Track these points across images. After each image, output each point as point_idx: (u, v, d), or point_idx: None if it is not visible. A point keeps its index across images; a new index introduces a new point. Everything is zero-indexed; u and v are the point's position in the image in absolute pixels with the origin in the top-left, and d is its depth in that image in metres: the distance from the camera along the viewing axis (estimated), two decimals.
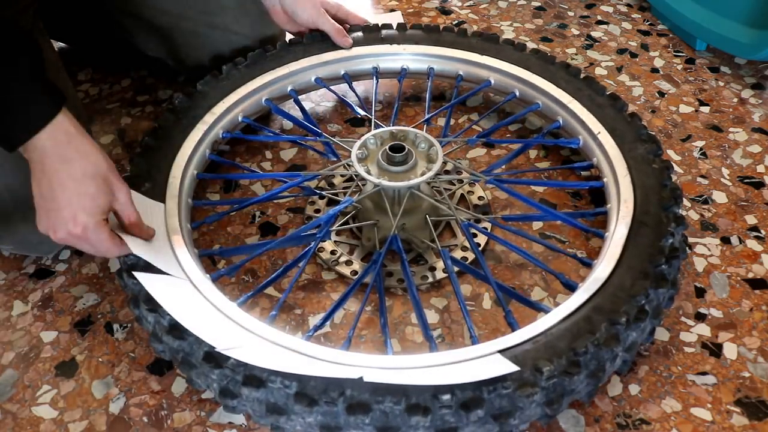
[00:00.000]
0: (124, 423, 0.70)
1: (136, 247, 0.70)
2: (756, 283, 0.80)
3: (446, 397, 0.58)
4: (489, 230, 0.86)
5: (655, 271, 0.68)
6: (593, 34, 1.26)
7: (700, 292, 0.80)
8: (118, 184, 0.68)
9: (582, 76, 0.95)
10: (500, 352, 0.62)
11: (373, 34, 1.04)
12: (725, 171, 0.95)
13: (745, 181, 0.94)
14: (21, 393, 0.74)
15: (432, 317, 0.78)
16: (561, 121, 0.93)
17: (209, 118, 0.91)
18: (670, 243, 0.71)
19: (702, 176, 0.95)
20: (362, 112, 0.99)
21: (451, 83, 1.06)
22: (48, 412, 0.72)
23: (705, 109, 1.07)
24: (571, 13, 1.33)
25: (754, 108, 1.06)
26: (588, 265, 0.76)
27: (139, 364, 0.76)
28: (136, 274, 0.69)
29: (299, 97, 1.01)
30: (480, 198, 0.92)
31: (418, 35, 1.05)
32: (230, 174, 0.97)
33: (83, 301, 0.83)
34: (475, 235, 0.85)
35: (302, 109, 0.99)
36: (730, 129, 1.02)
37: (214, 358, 0.62)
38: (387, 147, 0.80)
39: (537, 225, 0.88)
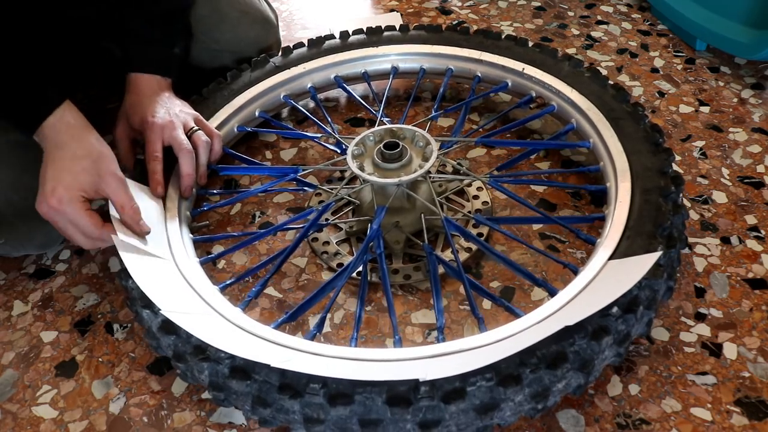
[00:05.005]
0: (124, 423, 0.70)
1: (121, 233, 0.71)
2: (756, 283, 0.80)
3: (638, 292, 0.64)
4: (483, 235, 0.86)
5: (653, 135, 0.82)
6: (593, 34, 1.26)
7: (700, 292, 0.79)
8: (110, 171, 0.72)
9: (463, 29, 1.06)
10: (610, 258, 0.69)
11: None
12: (725, 171, 0.95)
13: (745, 181, 0.94)
14: (21, 393, 0.74)
15: (431, 317, 0.78)
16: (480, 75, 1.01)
17: None
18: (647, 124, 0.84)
19: (702, 176, 0.94)
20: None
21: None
22: (48, 412, 0.72)
23: (705, 109, 1.07)
24: (571, 13, 1.33)
25: (754, 108, 1.06)
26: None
27: (139, 364, 0.76)
28: (120, 252, 0.70)
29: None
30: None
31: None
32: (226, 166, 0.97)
33: (83, 301, 0.83)
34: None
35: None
36: (730, 129, 1.02)
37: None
38: (382, 144, 0.80)
39: (537, 225, 0.88)
